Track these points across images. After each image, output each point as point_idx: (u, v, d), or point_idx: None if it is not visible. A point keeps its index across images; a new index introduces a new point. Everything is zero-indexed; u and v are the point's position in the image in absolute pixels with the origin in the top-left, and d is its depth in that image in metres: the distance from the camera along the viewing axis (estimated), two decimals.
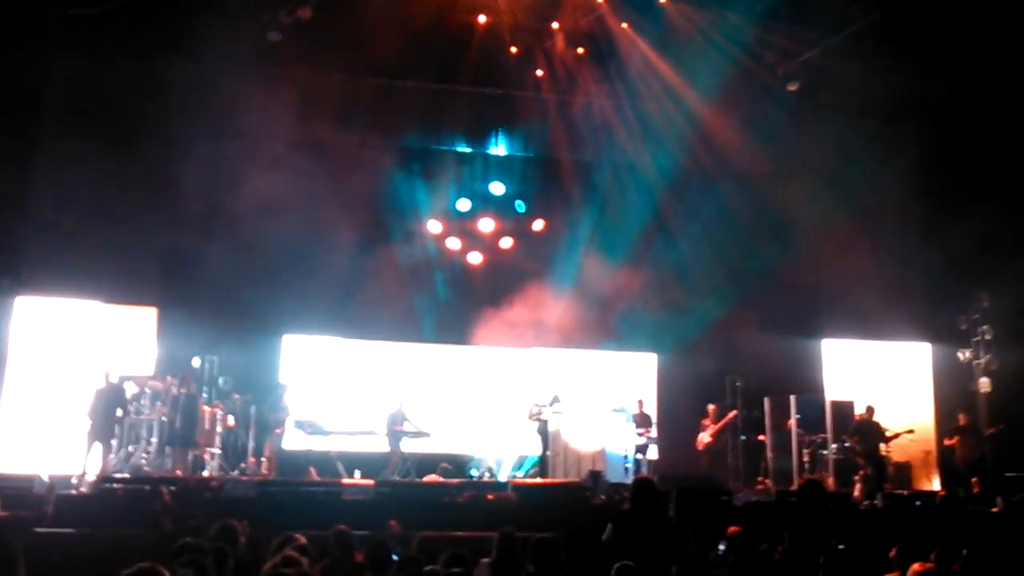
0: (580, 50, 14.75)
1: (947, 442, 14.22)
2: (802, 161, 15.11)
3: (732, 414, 14.26)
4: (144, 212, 13.77)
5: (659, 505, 6.80)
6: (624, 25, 14.18)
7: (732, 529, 7.93)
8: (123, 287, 14.04)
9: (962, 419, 14.01)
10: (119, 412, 12.11)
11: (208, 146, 14.80)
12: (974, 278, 15.16)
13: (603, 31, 14.30)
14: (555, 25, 14.26)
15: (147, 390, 12.78)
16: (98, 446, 11.82)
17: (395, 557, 6.14)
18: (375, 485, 11.37)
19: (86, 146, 13.37)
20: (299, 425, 13.28)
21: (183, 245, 14.44)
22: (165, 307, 14.35)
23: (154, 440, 12.55)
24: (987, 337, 15.31)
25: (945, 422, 15.22)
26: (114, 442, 12.08)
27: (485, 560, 6.35)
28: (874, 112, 14.72)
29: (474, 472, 13.38)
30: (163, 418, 12.52)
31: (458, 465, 13.77)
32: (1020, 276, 13.77)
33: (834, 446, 13.44)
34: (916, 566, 5.70)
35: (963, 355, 15.55)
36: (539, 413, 13.58)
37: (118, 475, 11.30)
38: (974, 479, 13.46)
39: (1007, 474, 13.80)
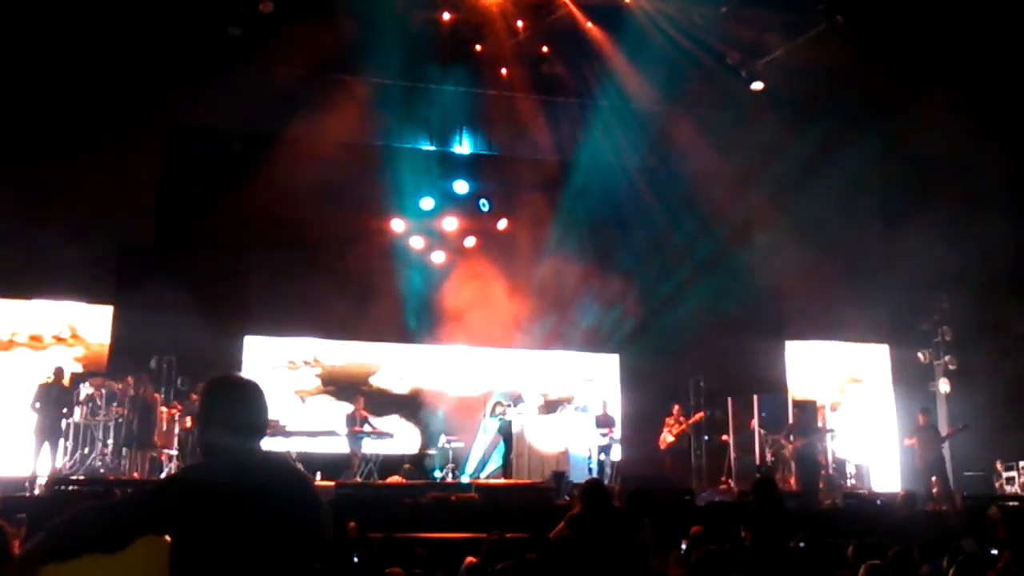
0: (545, 49, 14.71)
1: (907, 442, 14.33)
2: (765, 162, 15.18)
3: (698, 415, 14.26)
4: (97, 208, 13.55)
5: (611, 506, 6.74)
6: (589, 24, 14.15)
7: (694, 529, 7.94)
8: (79, 284, 13.81)
9: (921, 420, 14.10)
10: (64, 410, 11.87)
11: (167, 139, 14.65)
12: (934, 280, 15.31)
13: (569, 30, 14.26)
14: (520, 24, 14.19)
15: (103, 391, 12.50)
16: (46, 446, 11.59)
17: (355, 559, 6.06)
18: (335, 486, 11.23)
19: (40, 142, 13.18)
20: None
21: (141, 243, 14.25)
22: (122, 305, 14.13)
23: (110, 442, 12.29)
24: (946, 338, 15.49)
25: (905, 422, 15.38)
26: (67, 443, 11.84)
27: (470, 559, 6.29)
28: (836, 114, 14.81)
29: (437, 473, 13.27)
30: (119, 419, 12.26)
31: (421, 466, 13.66)
32: (979, 277, 13.94)
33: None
34: (866, 564, 5.73)
35: (923, 356, 15.72)
36: (503, 412, 13.51)
37: (72, 477, 11.06)
38: (933, 479, 13.57)
39: (966, 473, 13.98)
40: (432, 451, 14.19)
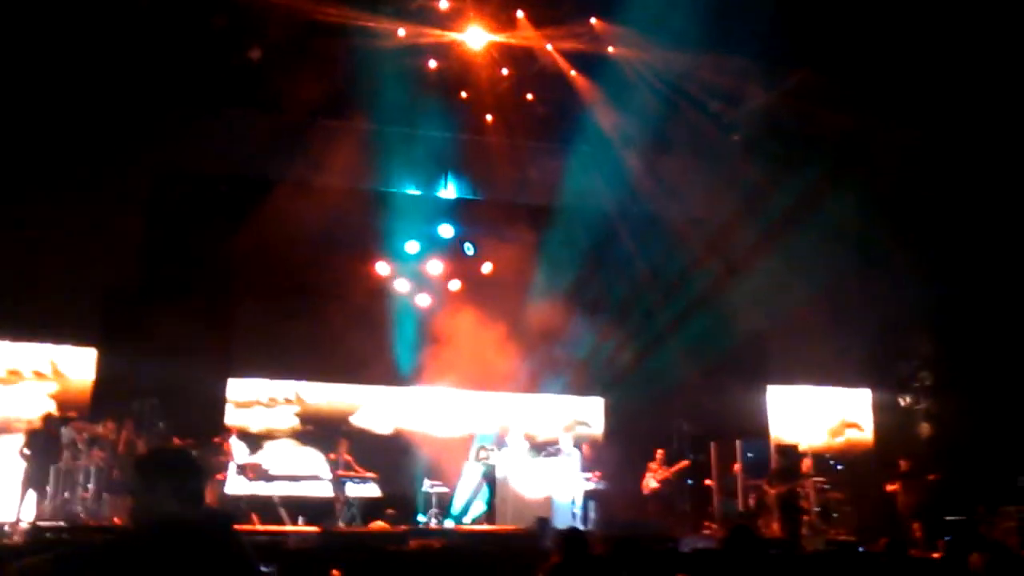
0: (529, 96, 14.90)
1: (889, 488, 14.38)
2: (747, 208, 15.36)
3: (683, 463, 14.28)
4: (83, 250, 13.58)
5: (589, 555, 6.74)
6: (572, 72, 14.36)
7: None
8: (60, 327, 13.78)
9: (903, 465, 14.20)
10: (53, 457, 11.81)
11: (150, 184, 14.72)
12: (915, 325, 15.47)
13: (553, 77, 14.46)
14: (504, 71, 14.39)
15: (85, 435, 12.43)
16: (31, 493, 11.51)
17: None
18: (320, 532, 11.19)
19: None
20: (241, 470, 13.03)
21: (124, 284, 14.25)
22: (105, 348, 14.10)
23: (91, 486, 12.20)
24: (927, 383, 15.62)
25: (885, 467, 15.44)
26: (48, 488, 11.75)
27: None
28: (817, 160, 15.03)
29: (421, 518, 13.21)
30: (101, 464, 12.19)
31: (405, 510, 13.58)
32: (959, 322, 14.11)
33: None
34: None
35: (903, 400, 15.84)
36: (486, 457, 13.49)
37: (51, 523, 10.95)
38: (915, 524, 13.61)
39: (947, 518, 14.03)
40: (416, 494, 14.13)
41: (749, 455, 13.99)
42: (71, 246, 13.57)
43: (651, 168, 15.29)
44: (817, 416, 16.53)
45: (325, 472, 13.24)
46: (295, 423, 15.20)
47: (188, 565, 2.81)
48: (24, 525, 10.64)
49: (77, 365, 14.09)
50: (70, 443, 12.30)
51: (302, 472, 13.66)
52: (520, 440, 14.03)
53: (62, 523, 11.08)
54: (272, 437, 14.82)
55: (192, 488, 3.03)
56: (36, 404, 13.55)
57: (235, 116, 14.08)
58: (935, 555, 12.01)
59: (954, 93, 13.44)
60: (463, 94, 14.59)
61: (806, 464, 14.06)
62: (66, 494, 12.12)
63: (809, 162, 14.75)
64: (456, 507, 13.67)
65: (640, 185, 15.30)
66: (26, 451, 11.74)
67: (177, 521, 2.90)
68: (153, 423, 13.00)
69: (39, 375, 13.91)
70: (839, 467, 15.28)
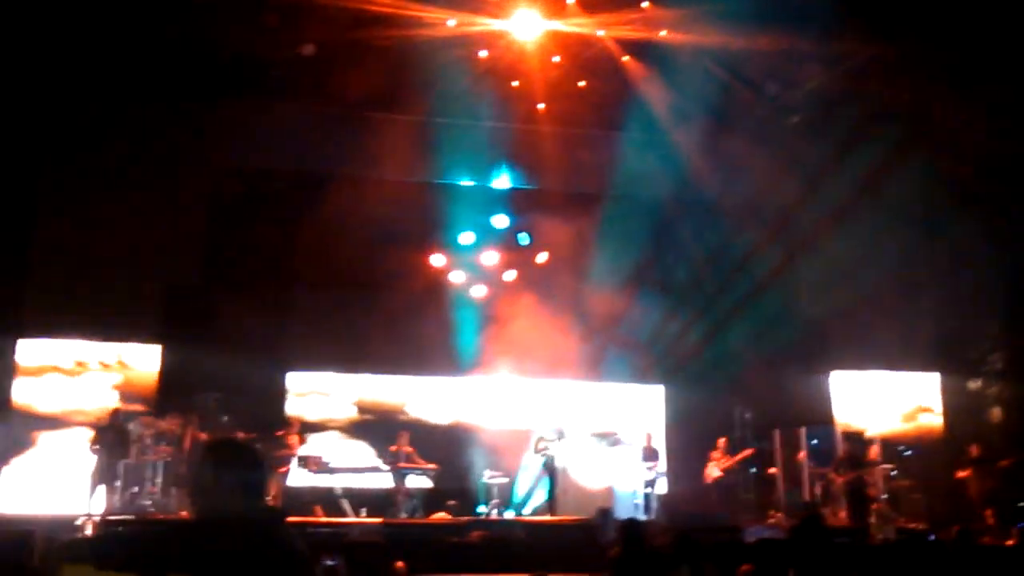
0: (582, 83, 14.75)
1: (960, 474, 14.02)
2: (808, 191, 15.07)
3: (747, 452, 14.06)
4: (146, 247, 13.83)
5: (647, 547, 6.65)
6: (625, 58, 14.18)
7: (744, 567, 7.81)
8: (125, 324, 14.06)
9: (974, 451, 13.83)
10: (122, 452, 12.05)
11: (211, 180, 14.92)
12: (984, 307, 15.04)
13: (605, 64, 14.29)
14: (556, 59, 14.27)
15: (151, 430, 12.67)
16: (102, 488, 11.77)
17: None
18: (382, 524, 11.26)
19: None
20: (303, 463, 13.16)
21: (187, 280, 14.48)
22: (169, 344, 14.35)
23: (159, 481, 12.44)
24: (998, 366, 15.18)
25: (955, 453, 15.05)
26: (117, 483, 11.99)
27: None
28: (881, 140, 14.66)
29: (482, 509, 13.21)
30: (168, 458, 12.41)
31: (466, 501, 13.60)
32: None
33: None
34: None
35: (974, 384, 15.42)
36: (545, 448, 13.44)
37: (121, 517, 11.18)
38: (988, 511, 13.26)
39: (1021, 504, 13.64)
40: (477, 486, 14.16)
41: (814, 442, 13.75)
42: (134, 243, 13.82)
43: (708, 152, 15.05)
44: (884, 402, 16.15)
45: (385, 464, 13.29)
46: (354, 415, 15.31)
47: (242, 559, 2.85)
48: (95, 519, 10.85)
49: (142, 360, 14.36)
50: (137, 438, 12.55)
51: (363, 464, 13.73)
52: (581, 430, 13.95)
53: (131, 517, 11.32)
54: (332, 429, 14.94)
55: (256, 481, 3.09)
56: (102, 397, 13.83)
57: (290, 111, 14.18)
58: (1009, 542, 11.70)
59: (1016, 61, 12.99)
60: (515, 83, 14.49)
61: (874, 451, 13.76)
62: (135, 488, 12.37)
63: (870, 141, 14.39)
64: (517, 498, 13.65)
65: (697, 170, 15.07)
66: (96, 446, 11.99)
67: (236, 515, 2.93)
68: (217, 417, 13.20)
69: (105, 366, 14.20)
70: (908, 453, 14.90)
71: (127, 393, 14.07)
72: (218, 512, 2.97)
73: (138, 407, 13.57)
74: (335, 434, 14.86)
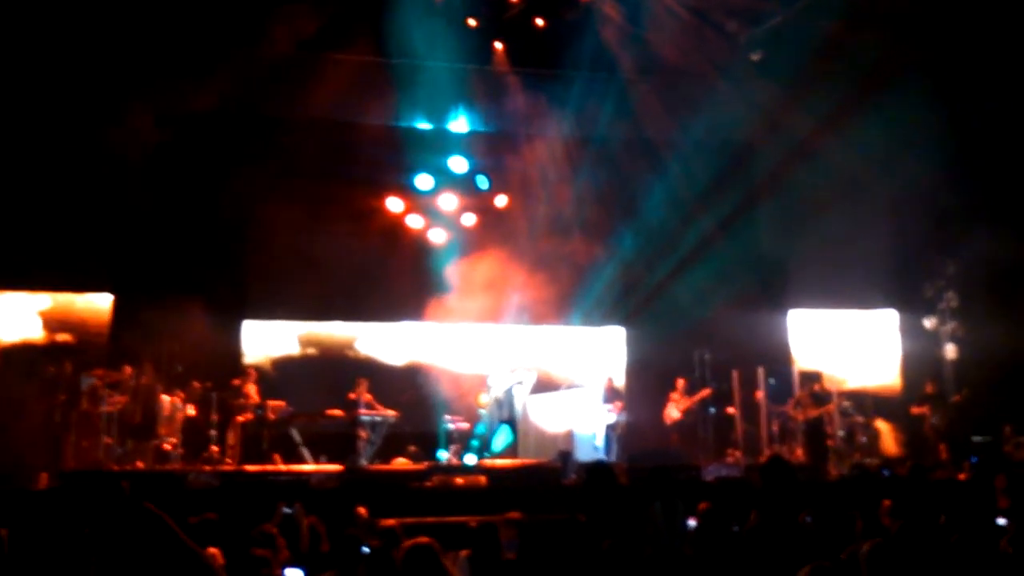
0: (540, 21, 14.49)
1: (915, 410, 14.25)
2: (768, 131, 15.00)
3: (705, 392, 14.12)
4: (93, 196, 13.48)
5: (615, 486, 6.67)
6: None
7: (702, 505, 7.85)
8: (75, 274, 13.76)
9: (929, 388, 14.06)
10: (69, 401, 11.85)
11: (153, 124, 14.46)
12: (939, 244, 15.17)
13: (562, 2, 14.04)
14: None
15: (104, 381, 12.42)
16: (56, 439, 11.57)
17: (365, 550, 5.97)
18: (343, 470, 11.22)
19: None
20: (261, 410, 13.01)
21: (137, 228, 14.14)
22: (120, 293, 14.07)
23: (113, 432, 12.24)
24: (952, 304, 15.36)
25: (911, 390, 15.28)
26: (71, 435, 11.78)
27: (463, 553, 6.19)
28: (840, 80, 14.58)
29: (442, 455, 13.19)
30: (122, 409, 12.20)
31: (426, 446, 13.57)
32: (984, 242, 13.80)
33: None
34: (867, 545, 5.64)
35: (928, 322, 15.60)
36: (505, 392, 13.41)
37: (76, 469, 11.02)
38: (942, 446, 13.53)
39: (973, 439, 13.90)
40: (436, 431, 14.11)
41: (772, 382, 13.84)
42: (80, 191, 13.44)
43: (665, 93, 14.89)
44: (841, 340, 16.32)
45: (345, 411, 13.18)
46: (313, 362, 15.19)
47: None
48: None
49: (93, 311, 14.08)
50: (90, 390, 12.29)
51: (322, 410, 13.61)
52: (539, 374, 13.94)
53: (86, 468, 11.14)
54: (290, 376, 14.79)
55: None
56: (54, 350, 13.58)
57: (245, 51, 13.73)
58: (961, 476, 11.95)
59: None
60: (471, 22, 14.19)
61: (830, 389, 13.89)
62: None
63: (831, 79, 14.31)
64: (477, 442, 13.63)
65: (654, 111, 14.92)
66: (44, 397, 11.74)
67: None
68: (172, 367, 12.98)
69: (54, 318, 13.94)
70: (864, 391, 15.10)
71: (77, 344, 13.84)
72: None
73: (83, 351, 13.34)
74: (293, 381, 14.66)
